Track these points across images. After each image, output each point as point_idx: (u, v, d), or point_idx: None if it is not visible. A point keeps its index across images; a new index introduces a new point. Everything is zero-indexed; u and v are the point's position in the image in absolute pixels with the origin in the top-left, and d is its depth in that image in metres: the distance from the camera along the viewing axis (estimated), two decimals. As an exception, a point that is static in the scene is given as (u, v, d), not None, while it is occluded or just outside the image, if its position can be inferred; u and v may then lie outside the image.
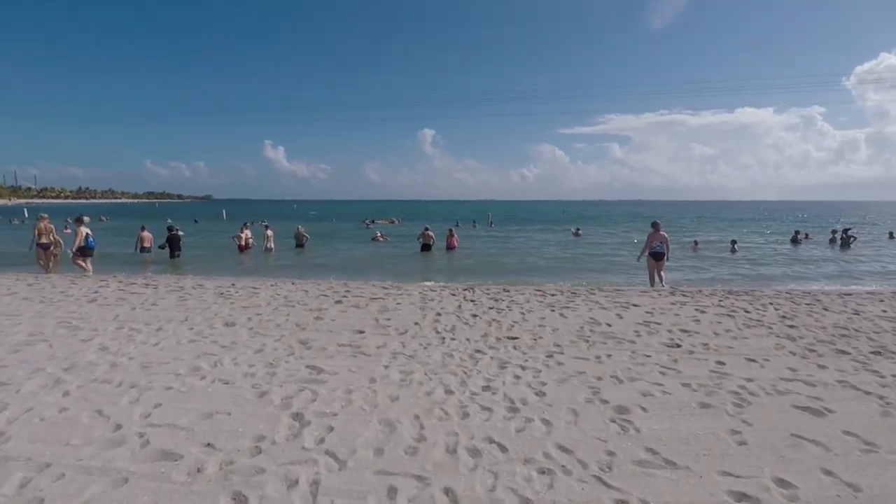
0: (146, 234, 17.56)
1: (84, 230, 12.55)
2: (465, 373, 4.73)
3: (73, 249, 12.22)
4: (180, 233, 27.09)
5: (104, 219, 47.41)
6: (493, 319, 7.01)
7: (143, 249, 17.19)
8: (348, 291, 9.13)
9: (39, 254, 12.60)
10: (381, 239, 25.46)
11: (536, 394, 4.22)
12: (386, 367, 4.88)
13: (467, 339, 5.93)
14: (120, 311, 7.36)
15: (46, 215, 13.35)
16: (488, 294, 9.06)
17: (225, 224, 42.48)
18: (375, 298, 8.45)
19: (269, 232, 19.11)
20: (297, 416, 3.67)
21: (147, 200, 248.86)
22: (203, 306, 7.71)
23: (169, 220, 41.81)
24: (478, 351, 5.47)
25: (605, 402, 4.06)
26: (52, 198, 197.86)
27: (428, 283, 10.86)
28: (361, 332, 6.24)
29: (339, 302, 8.12)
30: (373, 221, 44.56)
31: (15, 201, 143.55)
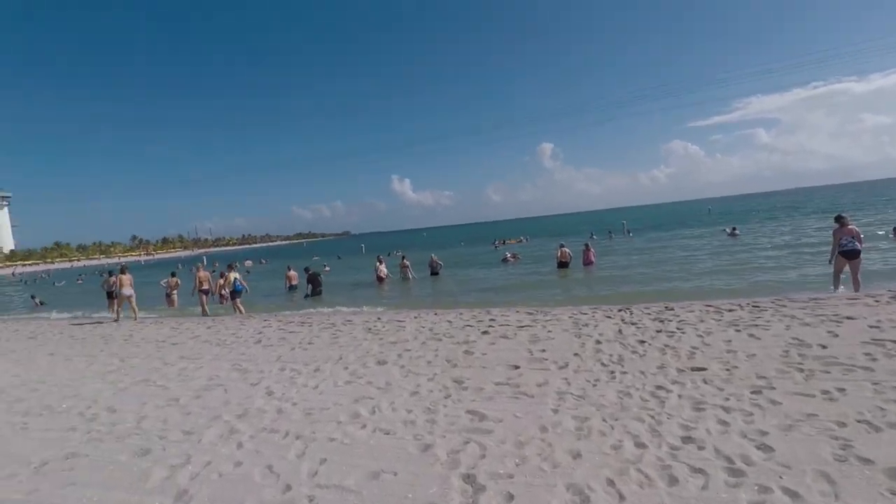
0: (292, 273, 19.29)
1: (232, 275, 14.09)
2: (653, 417, 3.95)
3: (222, 293, 13.79)
4: (326, 268, 29.56)
5: (264, 261, 53.17)
6: (666, 345, 6.05)
7: (290, 287, 18.81)
8: (493, 320, 8.70)
9: (201, 298, 14.34)
10: (511, 260, 24.91)
11: (759, 448, 3.31)
12: (555, 410, 4.27)
13: (641, 373, 5.10)
14: (281, 351, 7.71)
15: (202, 264, 15.51)
16: (649, 314, 8.02)
17: (364, 257, 45.22)
18: (523, 326, 7.90)
19: (406, 262, 19.63)
20: (469, 479, 3.22)
21: (296, 241, 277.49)
22: (354, 343, 7.79)
23: (315, 257, 45.81)
24: (659, 387, 4.63)
25: (866, 461, 3.03)
26: (223, 246, 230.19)
27: (576, 306, 10.05)
28: (516, 367, 5.72)
29: (485, 332, 7.72)
30: (503, 242, 44.02)
31: (196, 251, 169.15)
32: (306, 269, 18.61)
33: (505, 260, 24.98)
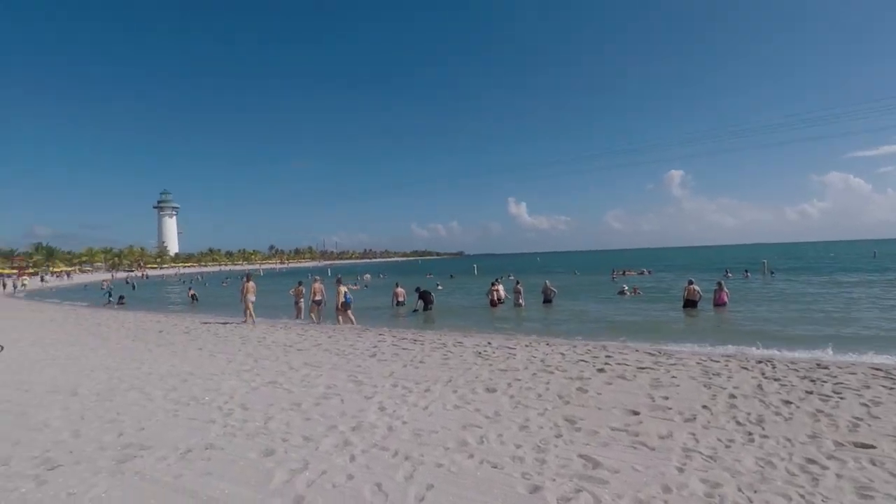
0: (399, 290, 20.43)
1: (343, 289, 15.05)
2: (803, 497, 3.39)
3: (337, 306, 14.89)
4: (439, 287, 30.31)
5: (382, 276, 55.92)
6: (819, 410, 5.22)
7: (397, 304, 19.92)
8: (609, 357, 8.22)
9: (313, 308, 15.58)
10: (628, 293, 23.41)
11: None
12: (680, 469, 3.86)
13: (787, 440, 4.44)
14: (394, 367, 7.95)
15: (319, 277, 17.31)
16: (796, 371, 7.03)
17: (476, 278, 45.63)
18: (643, 368, 7.34)
19: (520, 287, 19.43)
20: (581, 533, 3.00)
21: (412, 258, 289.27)
22: (464, 366, 7.80)
23: (429, 275, 47.21)
24: (811, 461, 3.98)
25: None
26: (346, 259, 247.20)
27: (705, 351, 9.15)
28: (635, 412, 5.30)
29: (601, 370, 7.29)
30: (622, 273, 41.61)
31: (323, 263, 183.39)
32: (417, 289, 19.26)
33: (622, 293, 23.58)
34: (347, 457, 4.23)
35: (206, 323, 15.76)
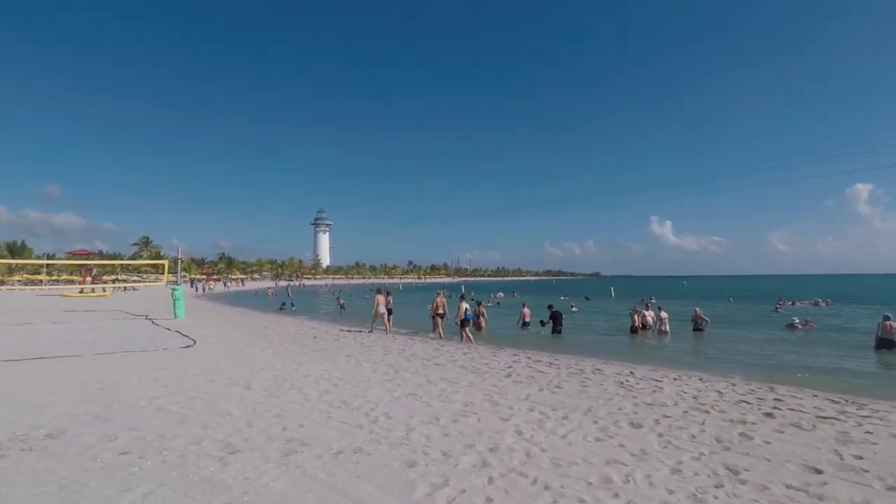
0: (526, 310, 20.58)
1: (464, 305, 15.59)
2: None
3: (456, 321, 15.57)
4: (574, 309, 29.35)
5: (515, 294, 55.70)
6: None
7: (523, 324, 19.95)
8: (779, 400, 7.18)
9: (436, 322, 16.15)
10: (800, 326, 20.31)
11: None
12: (884, 549, 3.19)
13: None
14: (530, 390, 7.80)
15: (443, 291, 18.05)
16: None
17: (614, 302, 43.33)
18: (825, 418, 6.28)
19: (664, 314, 18.00)
20: None
21: (545, 278, 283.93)
22: (605, 396, 7.39)
23: (563, 297, 45.89)
24: None
25: None
26: (480, 276, 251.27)
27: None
28: (818, 471, 4.52)
29: (768, 415, 6.39)
30: (791, 303, 36.14)
31: (457, 279, 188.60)
32: (550, 307, 19.05)
33: (793, 326, 20.51)
34: (486, 478, 4.21)
35: (351, 331, 17.07)
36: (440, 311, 16.38)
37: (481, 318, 17.75)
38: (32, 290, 47.45)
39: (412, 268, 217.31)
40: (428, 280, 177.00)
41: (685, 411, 6.58)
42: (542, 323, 18.64)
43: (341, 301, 33.08)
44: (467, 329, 15.43)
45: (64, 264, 67.25)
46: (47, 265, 64.91)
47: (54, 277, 69.18)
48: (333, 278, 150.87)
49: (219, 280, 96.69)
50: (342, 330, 17.65)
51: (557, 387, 8.07)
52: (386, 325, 16.64)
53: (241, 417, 5.94)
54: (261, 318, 24.07)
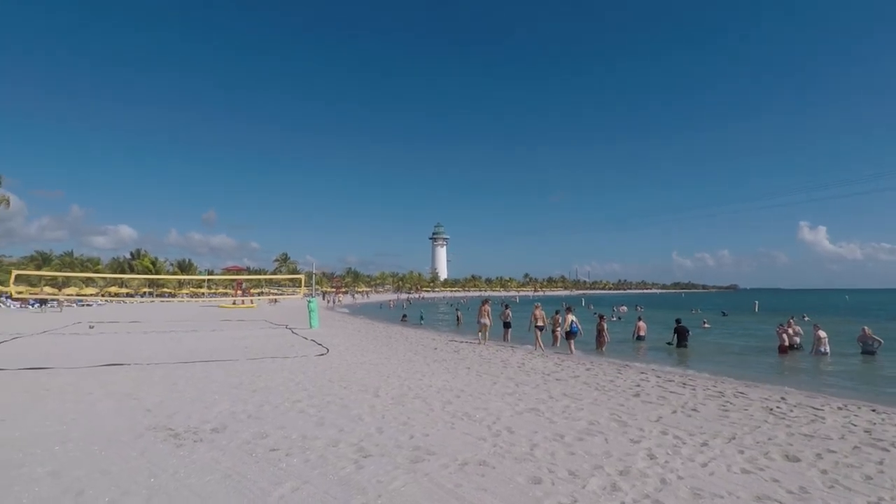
0: (642, 324, 20.33)
1: (570, 317, 15.55)
2: None
3: (560, 333, 15.71)
4: (706, 324, 26.96)
5: (639, 308, 52.46)
6: None
7: (638, 338, 19.63)
8: None
9: (537, 334, 15.98)
10: None
11: None
12: None
13: None
14: (662, 411, 7.27)
15: (540, 304, 17.93)
16: None
17: (757, 317, 38.92)
18: None
19: (821, 333, 15.73)
20: None
21: (674, 291, 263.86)
22: (751, 423, 6.64)
23: (694, 311, 42.21)
24: None
25: None
26: (600, 289, 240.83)
27: None
28: None
29: (972, 458, 5.27)
30: None
31: (575, 292, 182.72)
32: (678, 320, 18.03)
33: None
34: (618, 503, 4.00)
35: (470, 343, 17.31)
36: (539, 322, 16.20)
37: (603, 334, 16.99)
38: (197, 301, 55.26)
39: (528, 280, 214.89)
40: (546, 293, 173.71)
41: (855, 446, 5.67)
42: (669, 343, 17.40)
43: (459, 313, 33.67)
44: (572, 342, 15.35)
45: (220, 279, 77.30)
46: (208, 280, 75.18)
47: (213, 291, 79.94)
48: (451, 291, 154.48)
49: (346, 293, 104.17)
50: (461, 342, 17.98)
51: (693, 409, 7.42)
52: (483, 336, 17.04)
53: (371, 423, 6.29)
54: (385, 328, 25.39)
